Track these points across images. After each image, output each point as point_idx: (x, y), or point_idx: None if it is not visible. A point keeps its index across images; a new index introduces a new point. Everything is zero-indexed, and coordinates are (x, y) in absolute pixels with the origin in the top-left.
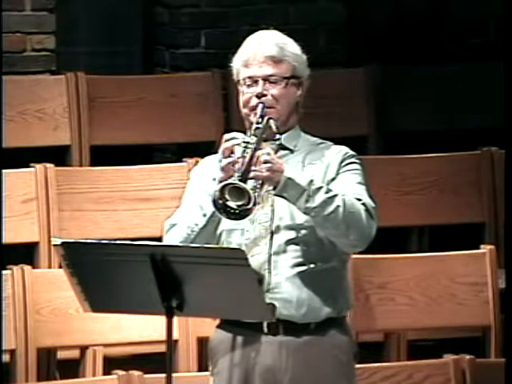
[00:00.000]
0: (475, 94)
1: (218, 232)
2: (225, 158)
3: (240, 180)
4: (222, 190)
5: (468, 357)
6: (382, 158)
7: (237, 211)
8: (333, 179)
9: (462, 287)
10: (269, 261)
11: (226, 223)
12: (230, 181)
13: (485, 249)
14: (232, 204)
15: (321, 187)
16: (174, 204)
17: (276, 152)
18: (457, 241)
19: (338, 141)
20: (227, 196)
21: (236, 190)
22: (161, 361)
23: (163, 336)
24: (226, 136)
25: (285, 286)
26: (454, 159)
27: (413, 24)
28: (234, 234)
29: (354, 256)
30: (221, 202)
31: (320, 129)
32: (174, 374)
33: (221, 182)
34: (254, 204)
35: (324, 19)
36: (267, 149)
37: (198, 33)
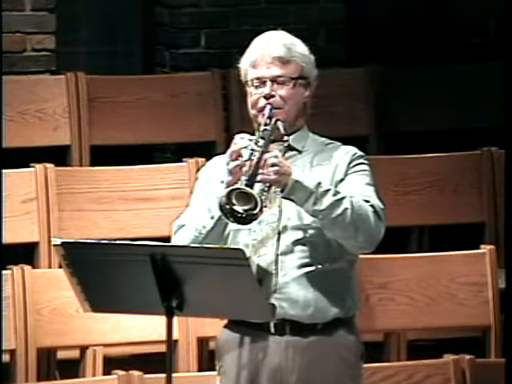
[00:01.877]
0: (475, 93)
1: (226, 233)
2: (232, 160)
3: (247, 184)
4: (228, 194)
5: (468, 357)
6: (382, 158)
7: (243, 215)
8: (341, 180)
9: (462, 287)
10: (276, 261)
11: (233, 224)
12: (236, 186)
13: (485, 249)
14: (239, 208)
15: (329, 190)
16: (174, 204)
17: (284, 153)
18: (457, 241)
19: (337, 141)
20: (234, 201)
21: (243, 194)
22: (161, 361)
23: (163, 336)
24: (236, 138)
25: (291, 287)
26: (454, 159)
27: (413, 24)
28: (240, 234)
29: None
30: (228, 206)
31: (320, 129)
32: (173, 374)
33: (228, 185)
34: (261, 209)
35: (324, 19)
36: (275, 152)
37: (198, 33)
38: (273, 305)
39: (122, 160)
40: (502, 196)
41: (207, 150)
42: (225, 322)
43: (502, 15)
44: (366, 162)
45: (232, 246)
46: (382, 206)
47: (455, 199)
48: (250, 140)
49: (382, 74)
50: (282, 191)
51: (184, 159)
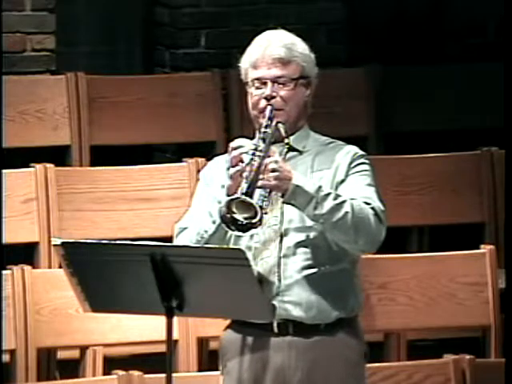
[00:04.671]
0: (475, 93)
1: (228, 236)
2: (233, 166)
3: (247, 193)
4: (228, 204)
5: (468, 357)
6: (382, 158)
7: (244, 223)
8: (342, 181)
9: (461, 287)
10: (278, 264)
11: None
12: (236, 196)
13: (485, 249)
14: (239, 217)
15: (329, 193)
16: (174, 204)
17: (285, 155)
18: (457, 241)
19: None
20: (234, 209)
21: (243, 202)
22: (161, 361)
23: (163, 336)
24: (233, 144)
25: (294, 289)
26: (454, 159)
27: (413, 24)
28: (243, 237)
29: None
30: (228, 215)
31: (320, 129)
32: (174, 374)
33: (229, 192)
34: (261, 218)
35: (324, 19)
36: (275, 157)
37: (198, 33)
38: (273, 305)
39: (122, 160)
40: (502, 196)
41: (207, 150)
42: (228, 322)
43: (501, 15)
44: (366, 161)
45: (232, 246)
46: (382, 207)
47: (455, 199)
48: (250, 145)
49: (382, 74)
50: (282, 196)
51: (184, 159)
